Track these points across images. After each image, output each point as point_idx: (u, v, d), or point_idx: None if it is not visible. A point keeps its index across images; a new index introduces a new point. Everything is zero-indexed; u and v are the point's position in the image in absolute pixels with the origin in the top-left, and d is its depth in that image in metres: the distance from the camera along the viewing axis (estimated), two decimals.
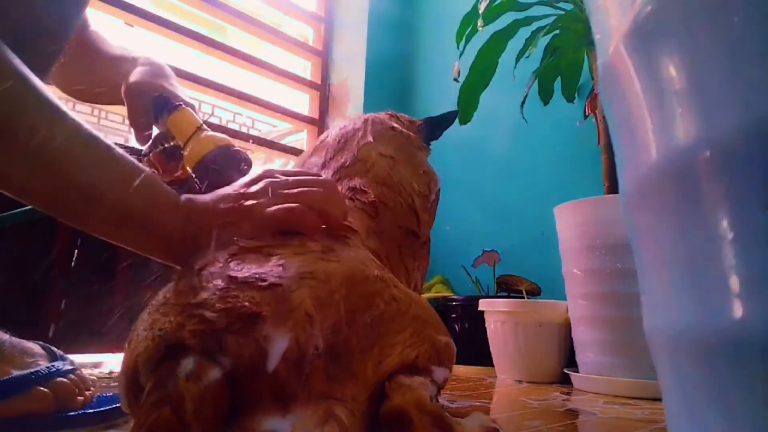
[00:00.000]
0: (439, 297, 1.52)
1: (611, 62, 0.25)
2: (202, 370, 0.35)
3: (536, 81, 1.31)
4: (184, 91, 0.73)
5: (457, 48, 1.35)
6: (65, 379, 0.59)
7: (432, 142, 0.92)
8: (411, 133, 0.81)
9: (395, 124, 0.80)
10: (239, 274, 0.41)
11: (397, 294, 0.47)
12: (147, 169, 0.48)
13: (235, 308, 0.38)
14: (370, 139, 0.75)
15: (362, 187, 0.66)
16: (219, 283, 0.40)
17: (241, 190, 0.50)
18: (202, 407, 0.34)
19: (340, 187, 0.65)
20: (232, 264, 0.43)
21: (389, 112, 0.85)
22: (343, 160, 0.70)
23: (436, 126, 0.88)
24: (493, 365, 1.26)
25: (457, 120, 1.32)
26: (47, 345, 0.68)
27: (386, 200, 0.67)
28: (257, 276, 0.40)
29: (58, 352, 0.67)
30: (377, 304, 0.44)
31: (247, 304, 0.38)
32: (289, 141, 2.54)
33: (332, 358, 0.39)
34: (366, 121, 0.79)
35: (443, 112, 0.96)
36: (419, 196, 0.73)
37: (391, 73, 2.04)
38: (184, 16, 1.80)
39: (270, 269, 0.42)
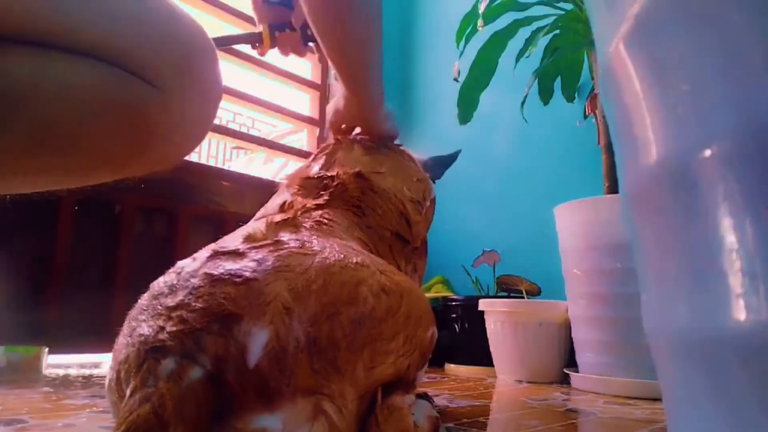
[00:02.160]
0: (439, 297, 1.52)
1: (611, 62, 0.25)
2: (183, 370, 0.35)
3: (536, 81, 1.31)
4: None
5: (457, 48, 1.35)
6: None
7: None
8: (405, 150, 0.83)
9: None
10: (215, 272, 0.41)
11: (385, 283, 0.47)
12: None
13: (211, 308, 0.38)
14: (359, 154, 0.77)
15: (349, 194, 0.66)
16: (195, 282, 0.40)
17: None
18: (183, 406, 0.34)
19: (327, 196, 0.67)
20: (208, 263, 0.43)
21: None
22: (333, 173, 0.71)
23: (440, 165, 0.92)
24: (493, 365, 1.26)
25: (457, 119, 1.33)
26: None
27: (374, 206, 0.67)
28: (232, 272, 0.40)
29: None
30: (364, 296, 0.44)
31: (223, 302, 0.38)
32: (289, 141, 2.54)
33: (316, 352, 0.38)
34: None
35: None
36: (411, 201, 0.73)
37: (391, 73, 2.03)
38: None
39: (245, 265, 0.42)
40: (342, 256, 0.46)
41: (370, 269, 0.47)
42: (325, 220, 0.59)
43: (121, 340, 0.41)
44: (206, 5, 1.69)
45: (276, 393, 0.36)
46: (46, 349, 1.09)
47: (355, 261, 0.46)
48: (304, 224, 0.55)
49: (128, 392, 0.36)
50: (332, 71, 2.04)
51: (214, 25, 1.79)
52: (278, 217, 0.55)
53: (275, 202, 0.66)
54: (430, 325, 0.52)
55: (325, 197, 0.64)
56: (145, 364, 0.36)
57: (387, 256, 0.65)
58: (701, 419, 0.21)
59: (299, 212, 0.59)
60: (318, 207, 0.61)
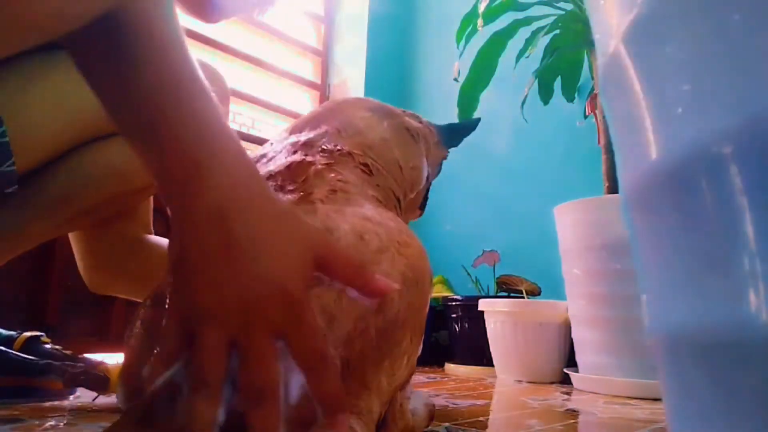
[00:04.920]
0: (439, 297, 1.52)
1: (611, 62, 0.25)
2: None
3: (536, 81, 1.31)
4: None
5: (457, 48, 1.35)
6: None
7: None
8: (412, 121, 0.75)
9: (397, 111, 0.75)
10: None
11: (404, 271, 0.45)
12: None
13: None
14: (367, 114, 0.69)
15: (354, 150, 0.61)
16: None
17: None
18: None
19: (330, 144, 0.59)
20: None
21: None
22: (336, 125, 0.64)
23: (455, 134, 0.86)
24: (493, 365, 1.26)
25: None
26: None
27: (379, 167, 0.62)
28: None
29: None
30: (390, 297, 0.42)
31: None
32: None
33: (348, 375, 0.38)
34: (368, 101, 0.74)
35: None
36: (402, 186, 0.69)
37: (391, 73, 2.04)
38: (184, 15, 1.80)
39: None
40: (362, 247, 0.44)
41: (390, 252, 0.45)
42: (340, 184, 0.54)
43: (132, 352, 0.41)
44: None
45: (309, 419, 0.35)
46: None
47: (376, 247, 0.44)
48: (319, 198, 0.51)
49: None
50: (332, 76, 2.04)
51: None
52: (293, 196, 0.51)
53: (279, 160, 0.58)
54: (428, 302, 0.51)
55: (333, 158, 0.59)
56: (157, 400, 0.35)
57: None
58: (701, 419, 0.21)
59: (312, 177, 0.54)
60: (328, 166, 0.56)
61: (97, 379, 0.66)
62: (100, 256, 0.84)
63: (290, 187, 0.51)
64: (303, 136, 0.61)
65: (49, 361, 0.72)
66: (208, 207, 0.36)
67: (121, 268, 0.85)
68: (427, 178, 0.79)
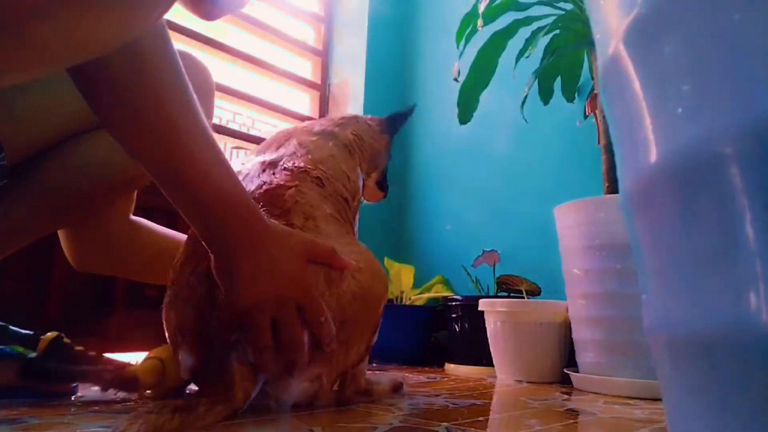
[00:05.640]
0: (439, 297, 1.52)
1: (611, 62, 0.25)
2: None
3: (536, 81, 1.31)
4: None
5: (457, 48, 1.35)
6: None
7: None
8: (349, 135, 0.90)
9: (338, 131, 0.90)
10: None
11: (355, 290, 0.66)
12: None
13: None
14: (313, 138, 0.86)
15: (308, 165, 0.77)
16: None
17: None
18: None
19: (289, 163, 0.77)
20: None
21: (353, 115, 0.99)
22: (291, 150, 0.81)
23: (394, 122, 1.03)
24: (493, 365, 1.26)
25: (457, 120, 1.33)
26: None
27: (328, 176, 0.79)
28: None
29: None
30: (344, 306, 0.64)
31: None
32: None
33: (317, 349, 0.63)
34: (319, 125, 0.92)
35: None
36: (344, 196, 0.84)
37: (391, 73, 2.04)
38: (183, 15, 1.80)
39: None
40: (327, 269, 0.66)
41: (345, 275, 0.66)
42: (309, 211, 0.71)
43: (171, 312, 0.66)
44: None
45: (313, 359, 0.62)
46: None
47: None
48: (299, 226, 0.68)
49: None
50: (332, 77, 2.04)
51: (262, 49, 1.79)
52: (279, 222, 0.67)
53: (254, 180, 0.74)
54: (382, 304, 0.71)
55: (296, 179, 0.74)
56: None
57: (345, 220, 0.79)
58: (700, 418, 0.21)
59: (292, 207, 0.70)
60: (296, 189, 0.72)
61: (128, 381, 0.67)
62: (87, 238, 0.85)
63: (275, 213, 0.67)
64: (267, 157, 0.79)
65: (86, 367, 0.71)
66: (247, 239, 0.59)
67: (108, 250, 0.87)
68: (377, 167, 0.99)
